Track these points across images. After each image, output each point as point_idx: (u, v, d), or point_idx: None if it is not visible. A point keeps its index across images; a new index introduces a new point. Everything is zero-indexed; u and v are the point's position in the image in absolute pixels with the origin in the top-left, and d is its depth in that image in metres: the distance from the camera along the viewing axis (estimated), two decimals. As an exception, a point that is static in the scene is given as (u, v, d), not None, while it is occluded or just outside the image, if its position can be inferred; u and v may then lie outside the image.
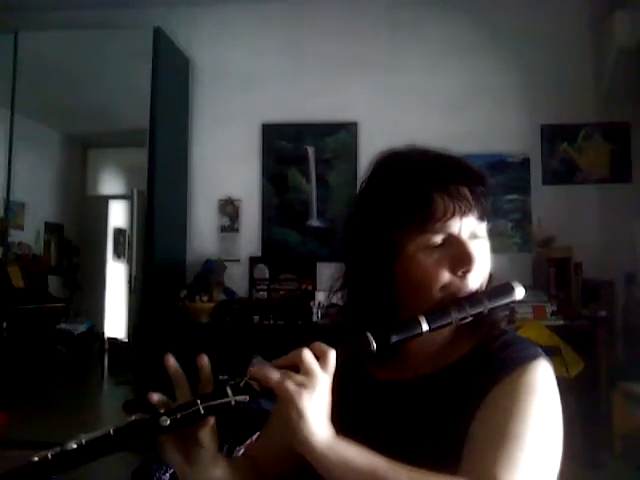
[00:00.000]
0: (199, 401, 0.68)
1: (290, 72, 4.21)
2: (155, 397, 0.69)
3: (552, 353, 2.83)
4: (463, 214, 0.77)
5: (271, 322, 3.73)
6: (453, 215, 0.77)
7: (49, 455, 0.64)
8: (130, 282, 3.94)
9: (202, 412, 0.67)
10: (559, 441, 0.73)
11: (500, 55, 4.03)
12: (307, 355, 0.67)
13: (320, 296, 3.81)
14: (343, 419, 0.70)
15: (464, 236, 0.78)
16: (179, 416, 0.67)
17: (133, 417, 0.67)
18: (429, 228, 0.77)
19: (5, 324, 3.84)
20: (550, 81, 3.96)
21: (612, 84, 3.70)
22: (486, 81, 4.04)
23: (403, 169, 0.82)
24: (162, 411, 0.67)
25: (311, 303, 3.81)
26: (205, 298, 3.81)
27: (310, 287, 4.00)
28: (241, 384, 0.68)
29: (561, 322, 3.35)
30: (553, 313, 3.41)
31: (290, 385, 0.65)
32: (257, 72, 4.22)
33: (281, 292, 4.05)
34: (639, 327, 3.39)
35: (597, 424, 3.17)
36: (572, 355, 3.11)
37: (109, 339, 4.38)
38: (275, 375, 0.66)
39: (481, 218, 0.80)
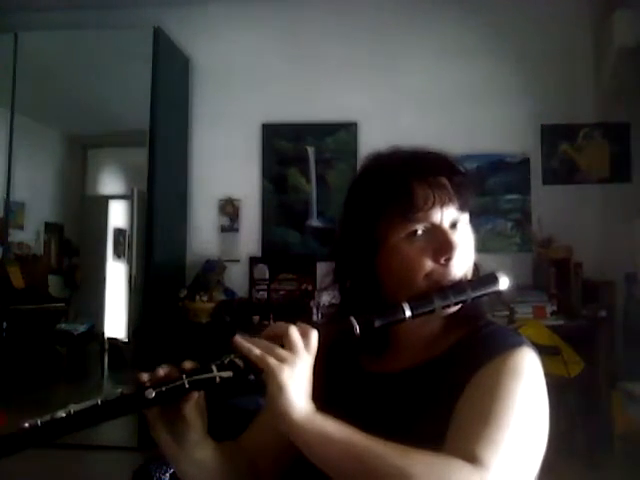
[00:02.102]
0: (184, 375, 0.70)
1: (290, 72, 4.21)
2: (143, 376, 0.72)
3: (552, 353, 2.82)
4: (443, 204, 0.80)
5: (271, 322, 3.73)
6: (433, 205, 0.79)
7: (39, 422, 0.66)
8: (130, 282, 3.93)
9: (187, 386, 0.70)
10: (544, 427, 0.73)
11: (500, 55, 4.02)
12: (293, 331, 0.69)
13: (320, 296, 3.81)
14: (329, 406, 0.70)
15: (445, 225, 0.80)
16: (164, 389, 0.69)
17: (120, 390, 0.70)
18: (411, 218, 0.79)
19: (5, 324, 3.84)
20: (550, 81, 3.96)
21: (612, 84, 3.70)
22: (486, 81, 4.03)
23: (384, 164, 0.86)
24: (148, 384, 0.70)
25: (311, 303, 3.80)
26: (205, 298, 3.81)
27: (310, 287, 4.00)
28: (225, 361, 0.70)
29: (561, 322, 3.35)
30: (553, 313, 3.41)
31: (271, 359, 0.67)
32: (257, 72, 4.22)
33: (281, 292, 4.05)
34: (639, 327, 3.39)
35: (597, 424, 3.17)
36: (572, 355, 3.11)
37: (109, 339, 4.37)
38: (257, 349, 0.68)
39: (462, 209, 0.82)
